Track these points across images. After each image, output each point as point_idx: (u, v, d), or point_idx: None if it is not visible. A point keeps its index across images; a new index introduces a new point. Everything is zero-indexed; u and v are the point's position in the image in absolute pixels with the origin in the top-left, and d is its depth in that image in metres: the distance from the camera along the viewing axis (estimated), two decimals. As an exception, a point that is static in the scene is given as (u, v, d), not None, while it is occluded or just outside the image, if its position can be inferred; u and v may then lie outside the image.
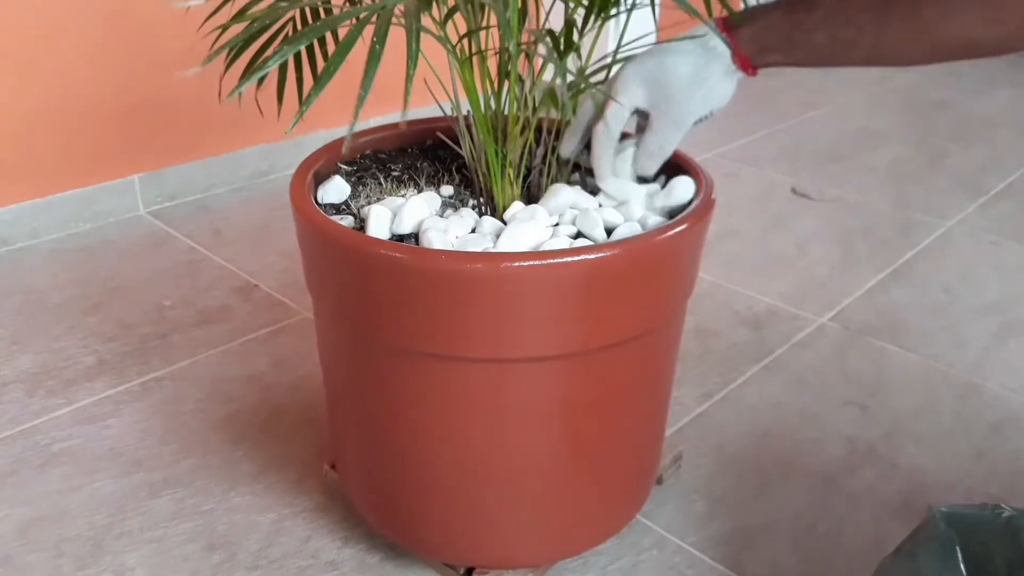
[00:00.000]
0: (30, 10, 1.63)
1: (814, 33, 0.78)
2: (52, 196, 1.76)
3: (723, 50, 0.82)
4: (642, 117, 0.87)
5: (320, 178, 0.92)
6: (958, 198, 2.03)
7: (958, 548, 0.69)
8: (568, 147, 0.91)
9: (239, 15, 0.80)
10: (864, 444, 1.22)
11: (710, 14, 0.88)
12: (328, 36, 0.93)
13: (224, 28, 0.84)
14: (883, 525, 1.08)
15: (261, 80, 0.79)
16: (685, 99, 0.83)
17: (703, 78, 0.82)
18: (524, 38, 0.87)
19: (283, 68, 0.92)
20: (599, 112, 0.86)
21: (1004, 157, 2.29)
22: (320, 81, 0.60)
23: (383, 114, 1.05)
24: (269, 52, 0.90)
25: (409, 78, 0.61)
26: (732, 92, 0.84)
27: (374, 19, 0.63)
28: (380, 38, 0.61)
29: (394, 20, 0.84)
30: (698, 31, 0.84)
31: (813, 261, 1.73)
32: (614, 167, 0.88)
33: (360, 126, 1.04)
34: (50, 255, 1.70)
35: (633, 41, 0.88)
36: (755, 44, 0.81)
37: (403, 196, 0.91)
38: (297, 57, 0.93)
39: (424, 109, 0.93)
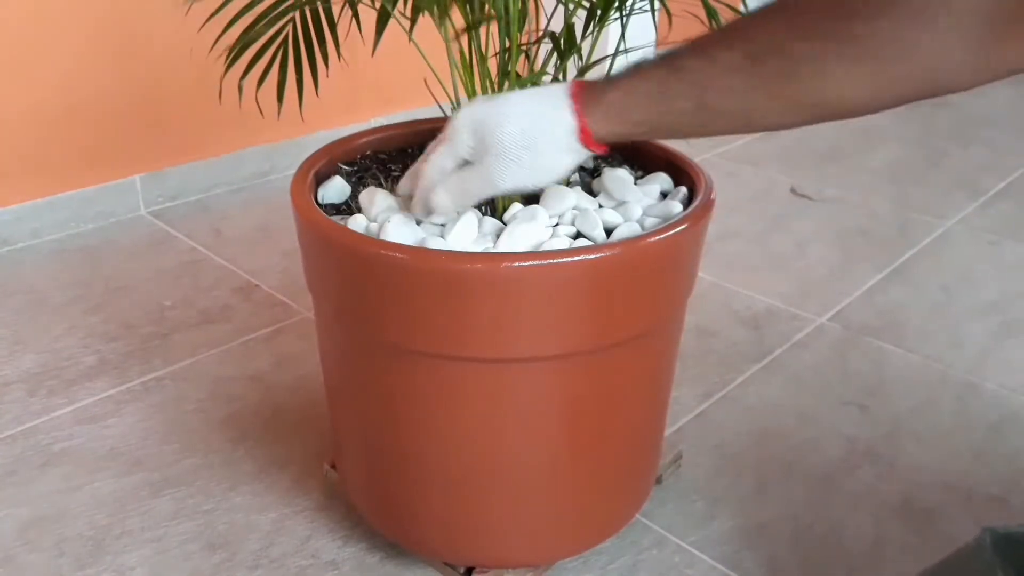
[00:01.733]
0: (31, 9, 1.64)
1: (678, 99, 0.68)
2: (53, 196, 1.76)
3: (567, 122, 0.71)
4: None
5: (321, 178, 0.92)
6: (957, 198, 2.03)
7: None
8: (403, 185, 0.84)
9: (242, 14, 0.80)
10: (863, 444, 1.22)
11: (710, 19, 0.88)
12: (327, 37, 0.94)
13: (225, 28, 0.84)
14: (882, 525, 1.08)
15: (261, 80, 0.79)
16: (505, 162, 0.72)
17: (534, 144, 0.71)
18: (524, 39, 0.87)
19: (283, 68, 0.92)
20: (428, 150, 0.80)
21: (1003, 157, 2.29)
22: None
23: (384, 114, 1.06)
24: (270, 53, 0.91)
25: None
26: (567, 168, 0.74)
27: None
28: None
29: (397, 10, 0.85)
30: (546, 86, 0.75)
31: (812, 261, 1.74)
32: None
33: (361, 126, 1.04)
34: (51, 255, 1.70)
35: (631, 50, 0.88)
36: (609, 116, 0.71)
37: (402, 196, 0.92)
38: (297, 58, 0.93)
39: (424, 109, 0.93)
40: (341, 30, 0.93)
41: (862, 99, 0.64)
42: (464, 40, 0.85)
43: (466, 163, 0.76)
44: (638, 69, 0.70)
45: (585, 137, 0.71)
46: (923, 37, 0.59)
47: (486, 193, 0.75)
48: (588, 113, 0.71)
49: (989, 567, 0.64)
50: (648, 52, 0.82)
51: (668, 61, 0.68)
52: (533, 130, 0.71)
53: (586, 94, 0.71)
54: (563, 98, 0.71)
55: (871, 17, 0.60)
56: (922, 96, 0.63)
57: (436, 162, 0.77)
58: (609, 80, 0.71)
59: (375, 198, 0.85)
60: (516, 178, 0.73)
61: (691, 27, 0.93)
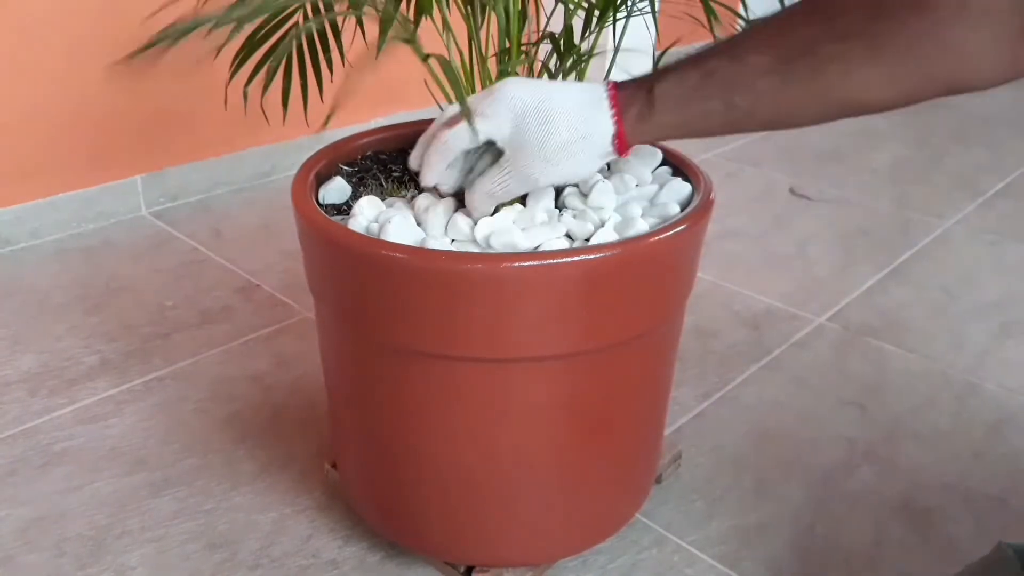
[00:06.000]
0: (31, 10, 1.64)
1: (710, 102, 0.70)
2: (54, 196, 1.76)
3: (607, 128, 0.73)
4: (496, 148, 0.77)
5: (321, 179, 0.93)
6: (957, 198, 2.04)
7: None
8: (415, 157, 0.82)
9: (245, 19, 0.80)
10: (863, 444, 1.22)
11: (711, 19, 0.88)
12: (331, 39, 0.94)
13: (230, 36, 0.84)
14: (882, 525, 1.08)
15: (266, 87, 0.80)
16: (549, 164, 0.74)
17: (576, 152, 0.73)
18: (524, 40, 0.88)
19: (287, 70, 0.92)
20: (455, 119, 0.77)
21: (1003, 157, 2.30)
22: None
23: (384, 115, 1.06)
24: (268, 47, 0.91)
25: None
26: (596, 170, 0.77)
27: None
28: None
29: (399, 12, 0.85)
30: (586, 86, 0.75)
31: (812, 261, 1.74)
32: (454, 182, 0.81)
33: (362, 127, 1.04)
34: (52, 255, 1.71)
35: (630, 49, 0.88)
36: (643, 120, 0.73)
37: (403, 196, 0.92)
38: (301, 61, 0.93)
39: (424, 110, 0.94)
40: (343, 33, 0.93)
41: (887, 97, 0.66)
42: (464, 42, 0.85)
43: (488, 146, 0.77)
44: (669, 71, 0.72)
45: (620, 143, 0.74)
46: (956, 35, 0.61)
47: (521, 191, 0.77)
48: (625, 118, 0.73)
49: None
50: (647, 51, 0.83)
51: (698, 63, 0.70)
52: (577, 134, 0.73)
53: (623, 98, 0.73)
54: (604, 101, 0.73)
55: (904, 17, 0.61)
56: (946, 94, 0.65)
57: (458, 136, 0.76)
58: (641, 82, 0.73)
59: (364, 207, 0.85)
60: (551, 178, 0.75)
61: (690, 27, 0.93)
